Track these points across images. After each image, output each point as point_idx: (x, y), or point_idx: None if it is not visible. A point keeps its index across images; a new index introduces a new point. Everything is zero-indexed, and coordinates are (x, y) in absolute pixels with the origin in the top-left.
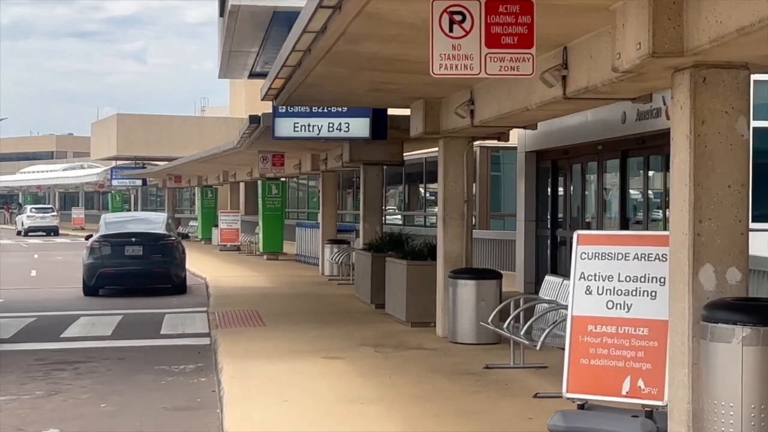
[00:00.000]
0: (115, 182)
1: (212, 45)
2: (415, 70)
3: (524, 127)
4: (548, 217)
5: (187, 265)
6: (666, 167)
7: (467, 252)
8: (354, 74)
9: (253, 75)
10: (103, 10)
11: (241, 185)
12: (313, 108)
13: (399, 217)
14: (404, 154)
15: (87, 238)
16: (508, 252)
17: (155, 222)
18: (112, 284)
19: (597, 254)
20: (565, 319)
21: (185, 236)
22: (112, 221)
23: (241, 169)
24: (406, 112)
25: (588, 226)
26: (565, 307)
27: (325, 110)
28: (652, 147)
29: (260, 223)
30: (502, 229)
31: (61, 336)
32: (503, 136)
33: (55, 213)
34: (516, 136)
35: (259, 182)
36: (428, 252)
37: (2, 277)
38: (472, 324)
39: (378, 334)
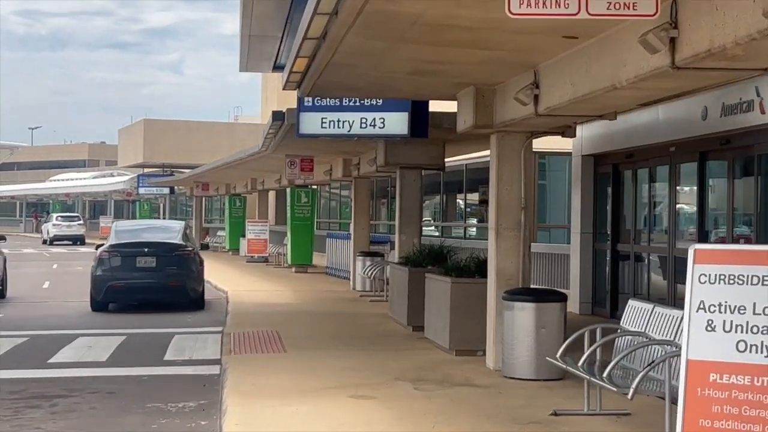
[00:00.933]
0: (141, 190)
1: None
2: (468, 41)
3: (600, 117)
4: (608, 229)
5: (210, 278)
6: (759, 171)
7: (524, 269)
8: (392, 49)
9: (278, 67)
10: (140, 22)
11: (271, 194)
12: (344, 100)
13: (434, 228)
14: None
15: (98, 247)
16: (558, 267)
17: (170, 231)
18: (122, 299)
19: (723, 277)
20: (663, 360)
21: (205, 246)
22: (124, 230)
23: (269, 177)
24: (450, 107)
25: (649, 240)
26: (660, 343)
27: (358, 103)
28: (740, 148)
29: (288, 233)
30: (549, 241)
31: (49, 361)
32: (568, 130)
33: (81, 222)
34: (567, 139)
35: (288, 190)
36: (476, 268)
37: (12, 289)
38: (530, 356)
39: (417, 365)
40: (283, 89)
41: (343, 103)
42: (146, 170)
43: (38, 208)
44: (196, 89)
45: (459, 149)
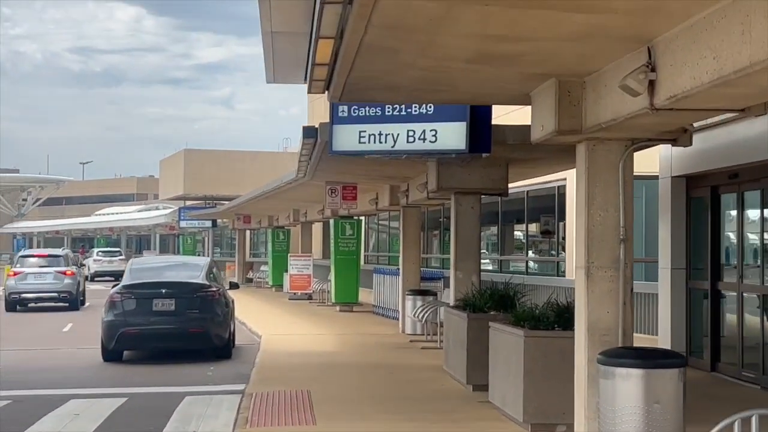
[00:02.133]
0: (183, 223)
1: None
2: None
3: (742, 111)
4: (706, 264)
5: (245, 318)
6: None
7: (625, 321)
8: (449, 14)
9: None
10: (192, 58)
11: (316, 226)
12: (386, 109)
13: (490, 261)
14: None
15: (114, 287)
16: (642, 310)
17: (193, 269)
18: (136, 347)
19: None
20: None
21: (234, 286)
22: (140, 268)
23: (312, 207)
24: (515, 119)
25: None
26: None
27: (404, 111)
28: None
29: (332, 268)
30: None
31: None
32: (683, 136)
33: (123, 257)
34: (651, 159)
35: (331, 221)
36: (556, 317)
37: (30, 332)
38: None
39: None
40: (309, 92)
41: (386, 112)
42: (188, 202)
43: (85, 243)
44: (248, 123)
45: (523, 172)
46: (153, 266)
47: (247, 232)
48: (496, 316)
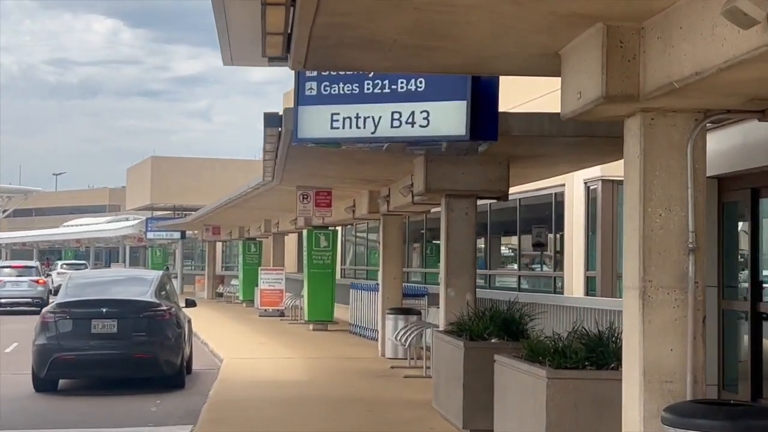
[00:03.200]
0: (150, 234)
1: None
2: None
3: None
4: (745, 281)
5: (209, 338)
6: None
7: (696, 362)
8: None
9: (275, 59)
10: (169, 70)
11: (289, 238)
12: (366, 85)
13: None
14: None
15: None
16: None
17: (141, 284)
18: (73, 375)
19: None
20: None
21: (191, 303)
22: (79, 283)
23: (284, 217)
24: (519, 104)
25: None
26: None
27: (387, 87)
28: None
29: (305, 283)
30: None
31: None
32: None
33: (88, 269)
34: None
35: (305, 232)
36: (588, 351)
37: None
38: None
39: None
40: (264, 56)
41: (365, 89)
42: (157, 213)
43: (50, 256)
44: (225, 135)
45: (525, 173)
46: (94, 281)
47: (219, 245)
48: (500, 345)
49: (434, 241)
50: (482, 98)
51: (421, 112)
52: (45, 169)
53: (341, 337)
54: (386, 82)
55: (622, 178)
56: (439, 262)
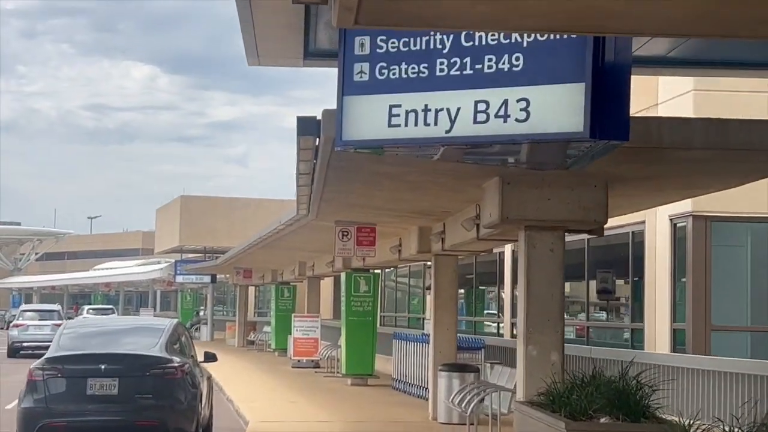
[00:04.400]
0: (179, 278)
1: None
2: None
3: None
4: None
5: (234, 394)
6: None
7: None
8: None
9: (313, 55)
10: (205, 116)
11: (325, 282)
12: (438, 65)
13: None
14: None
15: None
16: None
17: (150, 335)
18: None
19: None
20: None
21: (211, 358)
22: (75, 334)
23: (320, 258)
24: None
25: None
26: None
27: (469, 67)
28: None
29: (343, 331)
30: (735, 352)
31: None
32: None
33: (115, 314)
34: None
35: (343, 275)
36: None
37: None
38: None
39: None
40: (335, 25)
41: (438, 70)
42: (187, 255)
43: (79, 300)
44: (261, 181)
45: (617, 203)
46: (93, 331)
47: (251, 289)
48: (614, 427)
49: (482, 287)
50: (608, 80)
51: (519, 101)
52: (80, 213)
53: (384, 395)
54: (467, 60)
55: (717, 213)
56: (486, 309)
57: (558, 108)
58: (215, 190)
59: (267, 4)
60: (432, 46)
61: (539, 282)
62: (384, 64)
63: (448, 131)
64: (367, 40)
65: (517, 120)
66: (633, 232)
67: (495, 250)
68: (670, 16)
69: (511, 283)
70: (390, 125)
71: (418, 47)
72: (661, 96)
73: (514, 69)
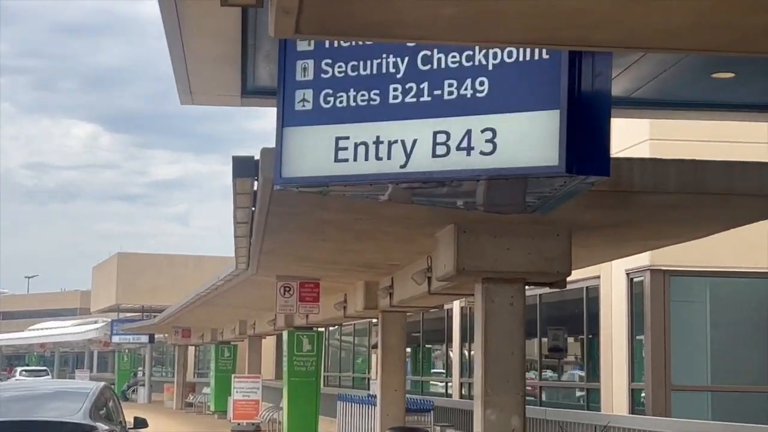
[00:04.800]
0: (115, 338)
1: None
2: None
3: None
4: None
5: None
6: None
7: None
8: None
9: (252, 93)
10: (147, 175)
11: (267, 341)
12: (392, 92)
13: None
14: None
15: None
16: None
17: (73, 399)
18: None
19: None
20: None
21: (141, 423)
22: None
23: (261, 316)
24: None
25: None
26: None
27: (426, 93)
28: None
29: (285, 393)
30: (696, 412)
31: None
32: None
33: (49, 376)
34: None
35: (285, 333)
36: None
37: None
38: None
39: None
40: (273, 34)
41: (391, 97)
42: (125, 314)
43: (13, 362)
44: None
45: (578, 254)
46: (15, 396)
47: (190, 349)
48: None
49: (429, 345)
50: (586, 107)
51: (484, 131)
52: (18, 272)
53: None
54: (425, 85)
55: (675, 267)
56: (432, 368)
57: (529, 139)
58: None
59: (199, 33)
60: (384, 70)
61: (498, 339)
62: (330, 91)
63: (403, 166)
64: (310, 64)
65: (482, 153)
66: (587, 287)
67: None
68: (666, 24)
69: (460, 340)
70: (337, 160)
71: (368, 71)
72: (615, 145)
73: (478, 95)
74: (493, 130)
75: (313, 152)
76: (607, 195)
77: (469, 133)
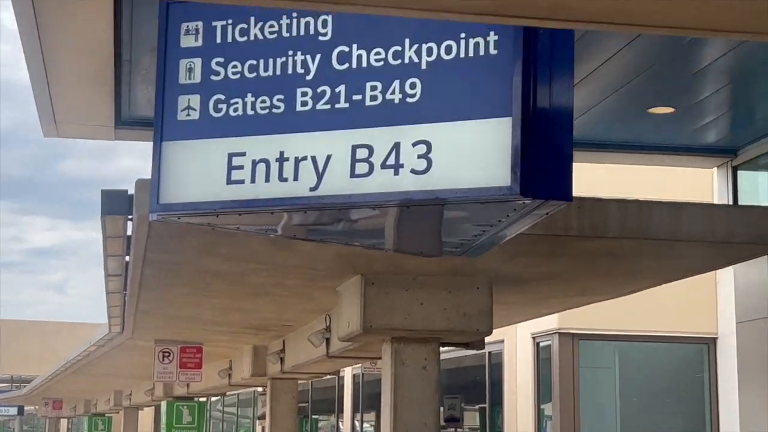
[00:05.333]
0: None
1: None
2: None
3: None
4: None
5: None
6: None
7: None
8: None
9: (128, 123)
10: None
11: (145, 412)
12: (300, 96)
13: None
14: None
15: None
16: None
17: None
18: None
19: None
20: None
21: None
22: None
23: (138, 385)
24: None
25: None
26: None
27: (343, 97)
28: None
29: None
30: None
31: None
32: None
33: None
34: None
35: (163, 404)
36: None
37: None
38: None
39: None
40: None
41: (298, 103)
42: None
43: None
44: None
45: (512, 310)
46: None
47: (63, 421)
48: None
49: (316, 416)
50: (544, 114)
51: (416, 145)
52: None
53: None
54: (341, 89)
55: (584, 331)
56: None
57: (473, 154)
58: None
59: (63, 45)
60: (290, 71)
61: (409, 407)
62: (222, 97)
63: (313, 189)
64: (197, 63)
65: (413, 171)
66: (490, 352)
67: (333, 375)
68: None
69: (352, 410)
70: (230, 182)
71: (270, 72)
72: None
73: (409, 100)
74: (428, 144)
75: (201, 172)
76: (540, 240)
77: (397, 147)
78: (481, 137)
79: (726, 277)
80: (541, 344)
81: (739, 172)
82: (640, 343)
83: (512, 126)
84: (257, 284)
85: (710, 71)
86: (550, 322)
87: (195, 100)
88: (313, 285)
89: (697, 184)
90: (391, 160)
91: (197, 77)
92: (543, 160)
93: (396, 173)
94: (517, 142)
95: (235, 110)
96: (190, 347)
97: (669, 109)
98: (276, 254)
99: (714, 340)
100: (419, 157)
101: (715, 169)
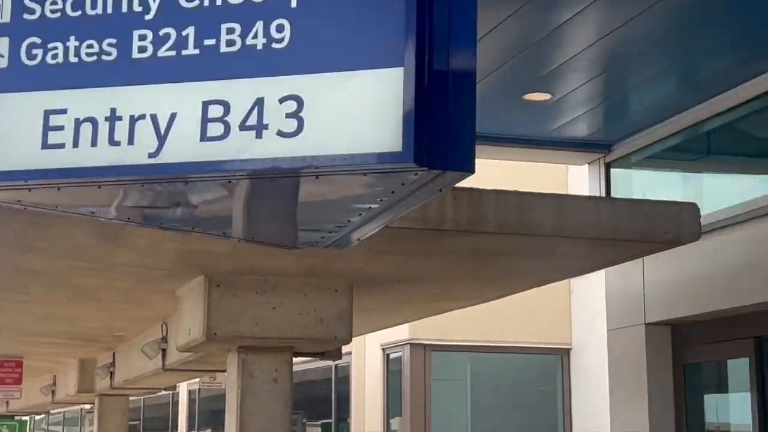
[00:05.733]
0: None
1: None
2: None
3: None
4: None
5: None
6: None
7: None
8: None
9: None
10: None
11: None
12: (136, 37)
13: None
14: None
15: None
16: None
17: None
18: None
19: None
20: None
21: None
22: None
23: None
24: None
25: None
26: None
27: (193, 42)
28: None
29: None
30: None
31: None
32: None
33: None
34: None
35: None
36: None
37: None
38: None
39: None
40: None
41: (135, 47)
42: None
43: None
44: None
45: (375, 316)
46: None
47: None
48: None
49: None
50: (442, 66)
51: (283, 101)
52: None
53: None
54: (189, 32)
55: (436, 342)
56: None
57: (353, 112)
58: None
59: None
60: (125, 8)
61: (257, 424)
62: (37, 41)
63: (153, 155)
64: None
65: (280, 134)
66: (337, 365)
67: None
68: None
69: (187, 428)
70: (46, 146)
71: (98, 10)
72: None
73: (275, 46)
74: (299, 100)
75: (8, 134)
76: (410, 235)
77: (260, 103)
78: (366, 92)
79: (581, 287)
80: (391, 356)
81: (612, 170)
82: (493, 354)
83: (404, 78)
84: (82, 287)
85: (584, 58)
86: (400, 332)
87: (3, 43)
88: (148, 288)
89: (559, 181)
90: (253, 120)
91: (6, 16)
92: (442, 123)
93: (258, 136)
94: (411, 98)
95: (54, 57)
96: (9, 361)
97: (545, 96)
98: (105, 249)
99: (568, 351)
100: (288, 116)
101: (587, 165)
